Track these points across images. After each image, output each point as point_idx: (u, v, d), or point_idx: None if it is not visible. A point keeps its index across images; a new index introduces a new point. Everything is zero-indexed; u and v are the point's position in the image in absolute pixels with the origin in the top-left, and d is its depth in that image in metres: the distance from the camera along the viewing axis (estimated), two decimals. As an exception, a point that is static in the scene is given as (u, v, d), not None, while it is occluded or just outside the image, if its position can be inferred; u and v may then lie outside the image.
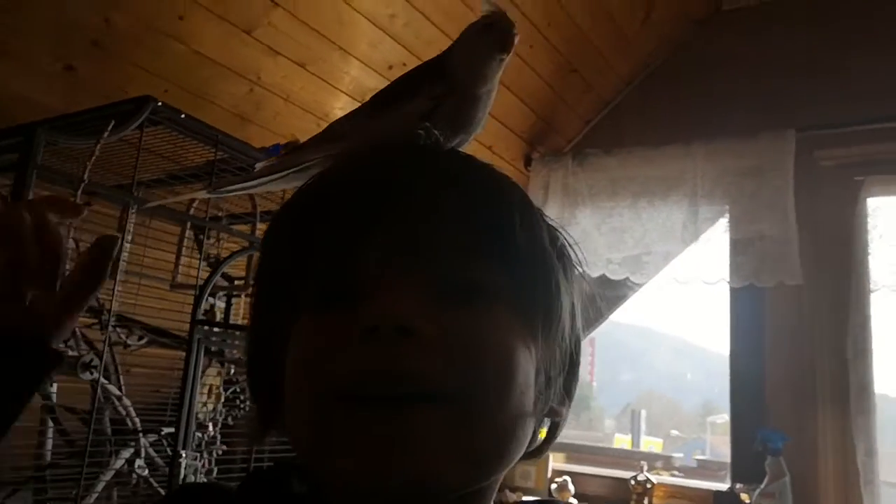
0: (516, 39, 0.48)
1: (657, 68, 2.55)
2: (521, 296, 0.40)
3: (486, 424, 0.37)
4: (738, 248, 2.14)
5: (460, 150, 0.49)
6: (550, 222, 0.46)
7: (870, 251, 2.02)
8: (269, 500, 0.44)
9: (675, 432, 3.13)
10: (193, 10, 1.59)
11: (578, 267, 0.48)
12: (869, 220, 2.05)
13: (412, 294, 0.38)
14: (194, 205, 1.37)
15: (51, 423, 1.24)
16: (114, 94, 1.40)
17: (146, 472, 1.21)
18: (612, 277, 2.35)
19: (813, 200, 2.12)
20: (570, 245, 0.47)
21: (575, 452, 2.61)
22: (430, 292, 0.38)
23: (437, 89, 0.49)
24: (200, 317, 1.14)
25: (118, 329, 1.15)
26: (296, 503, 0.44)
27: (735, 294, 2.25)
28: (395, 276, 0.38)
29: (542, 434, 0.47)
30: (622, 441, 2.92)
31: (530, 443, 0.45)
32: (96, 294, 0.43)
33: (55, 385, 1.33)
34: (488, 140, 2.42)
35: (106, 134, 0.94)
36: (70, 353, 1.04)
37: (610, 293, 2.68)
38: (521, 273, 0.40)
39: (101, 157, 1.36)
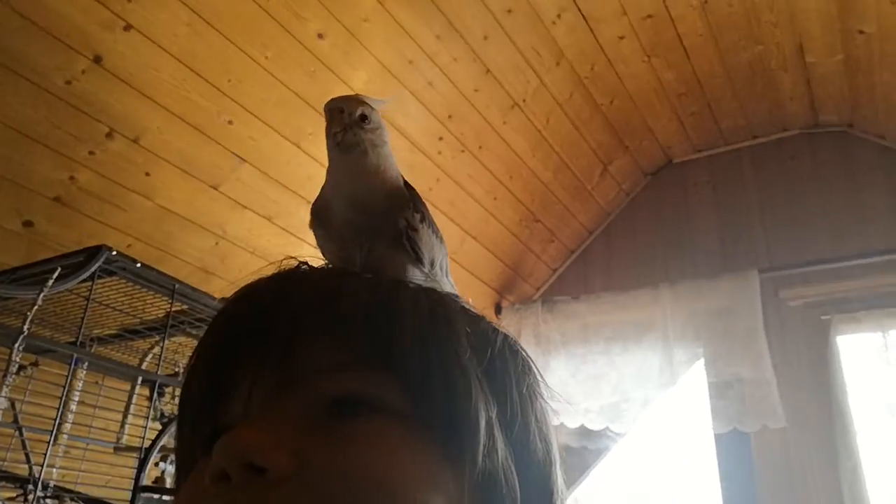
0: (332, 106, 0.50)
1: (617, 217, 2.64)
2: (420, 407, 0.34)
3: None
4: (717, 391, 2.09)
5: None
6: (486, 326, 0.41)
7: (847, 391, 1.98)
8: None
9: None
10: (160, 167, 1.61)
11: (533, 374, 0.42)
12: (842, 358, 2.04)
13: (274, 424, 0.33)
14: (147, 360, 1.29)
15: None
16: (74, 249, 1.37)
17: None
18: (592, 427, 2.25)
19: (785, 341, 2.11)
20: (520, 350, 0.42)
21: None
22: (298, 418, 0.33)
23: None
24: (145, 483, 1.02)
25: (47, 502, 1.03)
26: None
27: (720, 441, 2.16)
28: (258, 409, 0.34)
29: None
30: None
31: None
32: None
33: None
34: (456, 289, 2.41)
35: (50, 283, 0.88)
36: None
37: (591, 446, 2.57)
38: (415, 380, 0.35)
39: (58, 312, 1.30)
